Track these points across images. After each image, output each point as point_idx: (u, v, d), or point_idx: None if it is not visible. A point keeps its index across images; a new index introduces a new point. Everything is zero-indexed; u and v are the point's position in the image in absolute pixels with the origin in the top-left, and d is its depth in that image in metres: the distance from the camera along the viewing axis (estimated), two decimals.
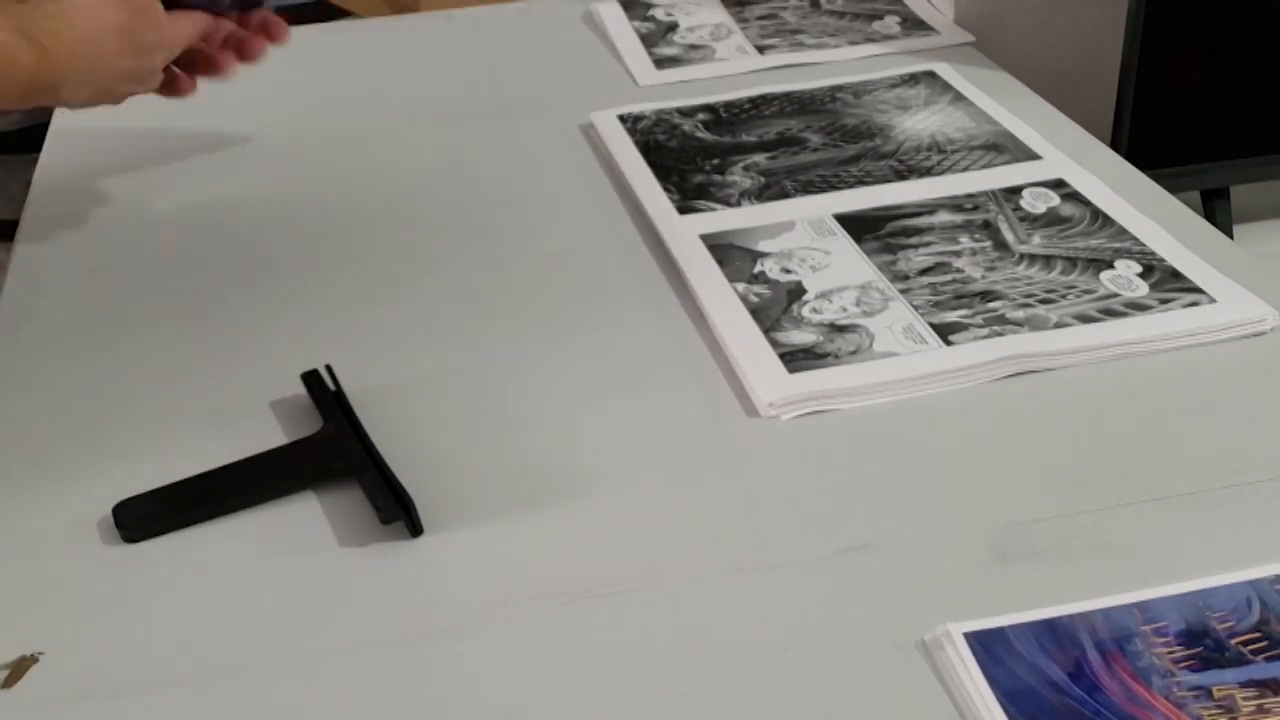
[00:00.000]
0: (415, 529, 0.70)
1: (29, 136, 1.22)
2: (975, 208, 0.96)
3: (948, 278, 0.88)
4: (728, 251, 0.93)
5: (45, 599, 0.68)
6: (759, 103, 1.14)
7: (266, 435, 0.78)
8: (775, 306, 0.86)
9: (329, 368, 0.81)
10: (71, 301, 0.93)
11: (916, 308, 0.85)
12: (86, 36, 0.86)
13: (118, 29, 0.87)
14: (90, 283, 0.95)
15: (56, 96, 0.87)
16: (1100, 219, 0.94)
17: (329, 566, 0.69)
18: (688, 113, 1.13)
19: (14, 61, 0.82)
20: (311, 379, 0.80)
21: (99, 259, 0.98)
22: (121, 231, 1.02)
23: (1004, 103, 1.11)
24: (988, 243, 0.92)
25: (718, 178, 1.03)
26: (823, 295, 0.87)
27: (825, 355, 0.81)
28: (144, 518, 0.72)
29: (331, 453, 0.74)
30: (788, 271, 0.90)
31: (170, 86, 0.96)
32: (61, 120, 1.17)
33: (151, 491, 0.73)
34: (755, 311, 0.86)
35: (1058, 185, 0.99)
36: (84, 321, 0.91)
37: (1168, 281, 0.86)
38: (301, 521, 0.72)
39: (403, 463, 0.74)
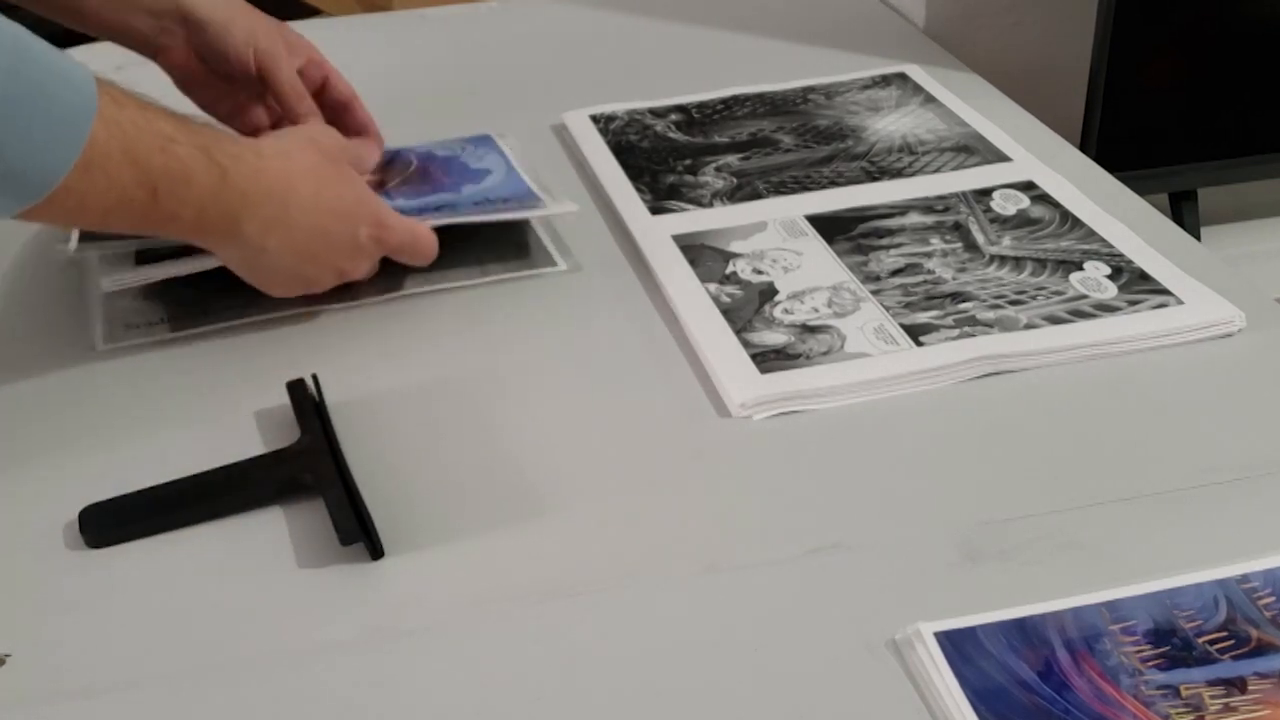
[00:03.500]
0: (375, 552, 0.69)
1: None
2: (946, 209, 0.97)
3: (919, 279, 0.89)
4: (700, 252, 0.93)
5: (12, 602, 0.68)
6: (731, 103, 1.14)
7: (245, 444, 0.77)
8: (747, 307, 0.87)
9: (315, 377, 0.80)
10: (45, 299, 0.92)
11: (888, 309, 0.86)
12: (277, 170, 0.80)
13: (314, 171, 0.82)
14: (62, 279, 0.94)
15: (237, 231, 0.78)
16: (1069, 221, 0.94)
17: (296, 572, 0.69)
18: (660, 113, 1.13)
19: (189, 177, 0.75)
20: (296, 389, 0.80)
21: (73, 256, 0.97)
22: None
23: (975, 105, 1.11)
24: (958, 244, 0.92)
25: (690, 178, 1.03)
26: (794, 296, 0.87)
27: (797, 356, 0.82)
28: (108, 524, 0.71)
29: (301, 466, 0.74)
30: (759, 272, 0.90)
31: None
32: None
33: (116, 498, 0.72)
34: (727, 312, 0.86)
35: (1028, 187, 0.99)
36: (58, 320, 0.90)
37: (1136, 283, 0.87)
38: (268, 533, 0.71)
39: (375, 472, 0.73)
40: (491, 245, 0.94)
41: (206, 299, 0.88)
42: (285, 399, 0.79)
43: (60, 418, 0.81)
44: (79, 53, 0.78)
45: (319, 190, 0.82)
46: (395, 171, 0.98)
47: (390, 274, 0.89)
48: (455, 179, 0.97)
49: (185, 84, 0.95)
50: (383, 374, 0.83)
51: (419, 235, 0.87)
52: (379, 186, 0.94)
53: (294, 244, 0.81)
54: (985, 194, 0.99)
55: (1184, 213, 1.22)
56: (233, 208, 0.78)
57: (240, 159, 0.78)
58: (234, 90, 0.95)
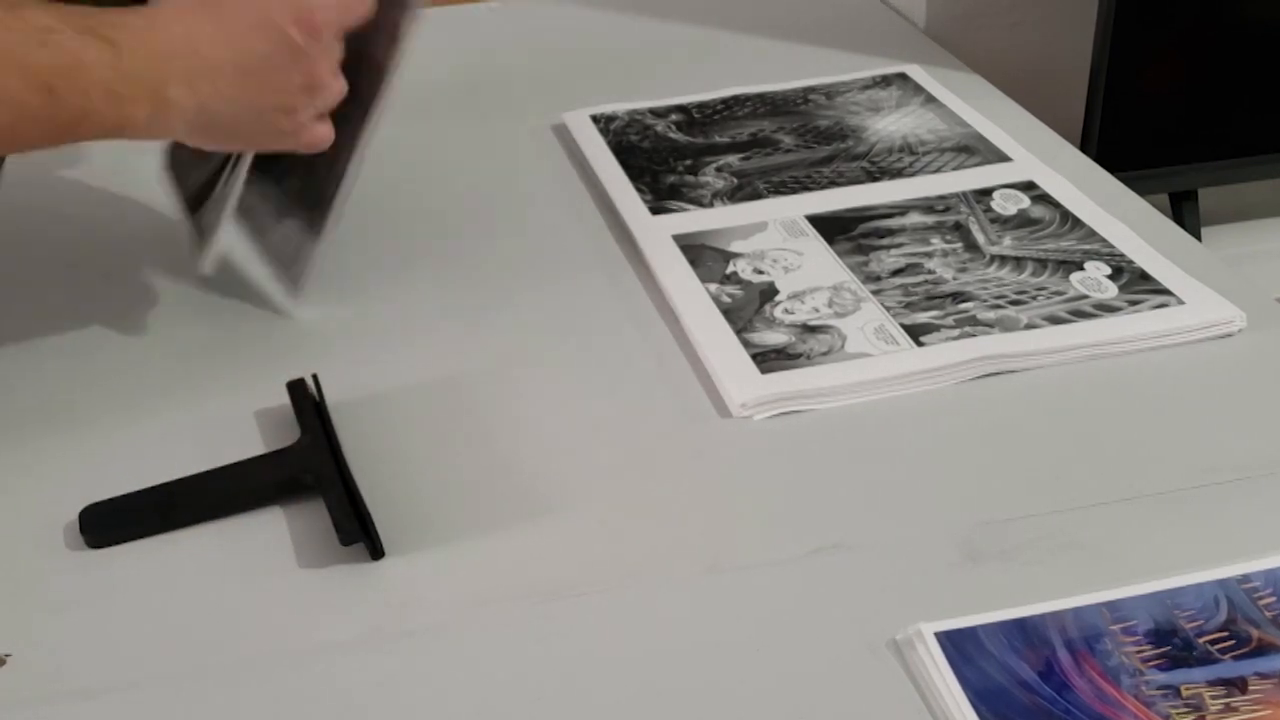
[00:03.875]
0: (375, 552, 0.69)
1: None
2: (946, 209, 0.97)
3: (919, 279, 0.89)
4: (700, 252, 0.93)
5: (13, 602, 0.68)
6: (731, 104, 1.14)
7: (246, 444, 0.77)
8: (747, 307, 0.87)
9: (315, 376, 0.80)
10: (43, 299, 0.93)
11: (888, 309, 0.86)
12: (168, 19, 0.73)
13: (204, 2, 0.74)
14: (64, 280, 0.95)
15: (163, 100, 0.72)
16: (1070, 221, 0.94)
17: (297, 572, 0.69)
18: (660, 113, 1.13)
19: (81, 63, 0.69)
20: (296, 388, 0.80)
21: (72, 256, 0.97)
22: (96, 227, 1.01)
23: (975, 105, 1.11)
24: (959, 244, 0.92)
25: (690, 178, 1.03)
26: (795, 296, 0.87)
27: (797, 356, 0.82)
28: (109, 525, 0.71)
29: (302, 466, 0.74)
30: (760, 272, 0.90)
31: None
32: None
33: (116, 498, 0.72)
34: (727, 312, 0.86)
35: (1028, 187, 0.99)
36: (57, 320, 0.90)
37: (1136, 283, 0.87)
38: (268, 533, 0.71)
39: (375, 471, 0.73)
40: None
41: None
42: (286, 399, 0.79)
43: (61, 418, 0.81)
44: None
45: (219, 19, 0.74)
46: None
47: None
48: None
49: None
50: (383, 374, 0.83)
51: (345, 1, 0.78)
52: None
53: (230, 86, 0.75)
54: (986, 194, 0.99)
55: (1184, 213, 1.22)
56: (142, 77, 0.71)
57: (125, 26, 0.72)
58: None
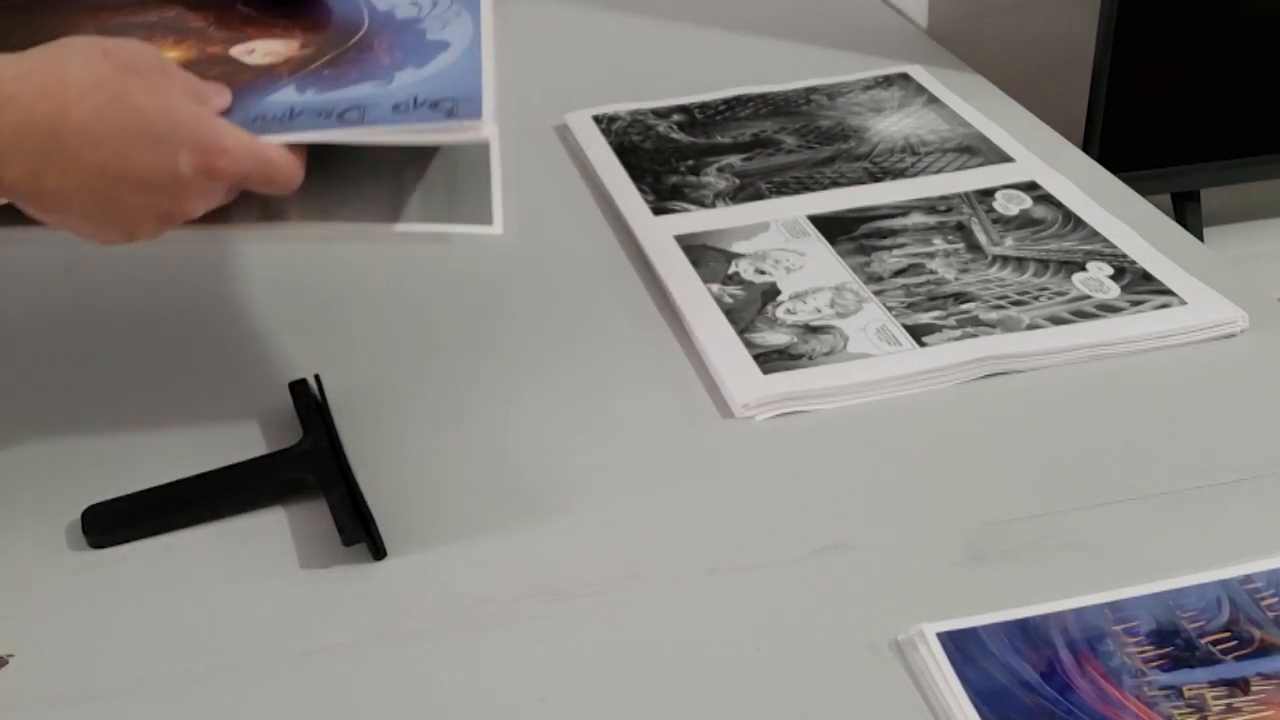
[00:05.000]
0: (378, 552, 0.69)
1: None
2: (948, 210, 0.97)
3: (921, 279, 0.89)
4: (702, 253, 0.93)
5: (15, 602, 0.68)
6: (733, 104, 1.14)
7: (247, 445, 0.77)
8: (750, 307, 0.87)
9: (317, 377, 0.80)
10: (44, 300, 0.93)
11: (890, 309, 0.86)
12: (37, 90, 0.62)
13: (98, 85, 0.63)
14: (64, 279, 0.95)
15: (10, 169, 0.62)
16: (1072, 221, 0.94)
17: (299, 573, 0.69)
18: (662, 114, 1.13)
19: None
20: (299, 389, 0.79)
21: (73, 255, 0.97)
22: None
23: (977, 105, 1.11)
24: (961, 244, 0.92)
25: (692, 179, 1.03)
26: (797, 296, 0.87)
27: (799, 356, 0.82)
28: (110, 525, 0.71)
29: (304, 467, 0.73)
30: (762, 273, 0.90)
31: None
32: None
33: (118, 499, 0.72)
34: (730, 312, 0.86)
35: (1030, 188, 0.99)
36: (58, 321, 0.90)
37: (1139, 284, 0.87)
38: (270, 533, 0.71)
39: (377, 471, 0.73)
40: (418, 159, 0.72)
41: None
42: (288, 399, 0.79)
43: (62, 418, 0.81)
44: None
45: (105, 110, 0.62)
46: (332, 41, 0.76)
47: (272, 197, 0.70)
48: (398, 57, 0.73)
49: None
50: (385, 374, 0.83)
51: (271, 162, 0.66)
52: (291, 69, 0.73)
53: (83, 183, 0.63)
54: (988, 194, 0.99)
55: (1187, 213, 1.22)
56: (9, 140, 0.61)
57: (20, 80, 0.62)
58: None
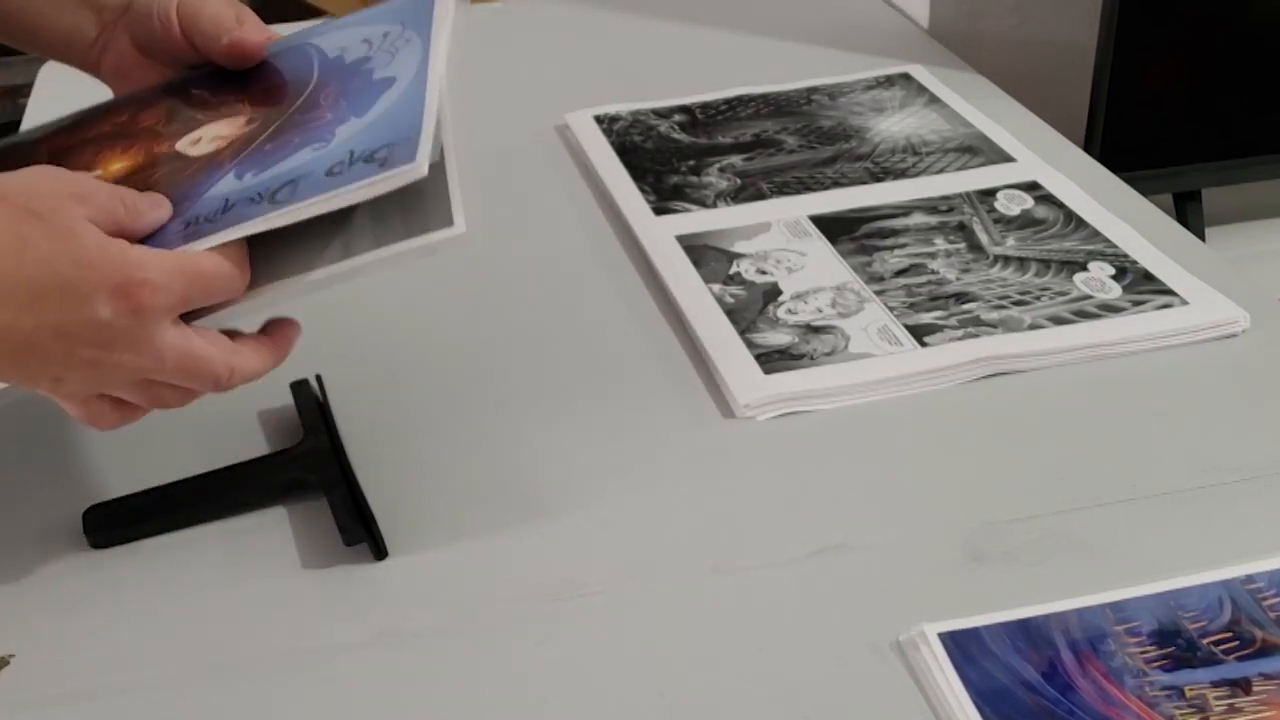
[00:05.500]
0: (379, 553, 0.69)
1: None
2: (950, 210, 0.97)
3: (923, 279, 0.89)
4: (703, 253, 0.93)
5: (16, 602, 0.68)
6: (735, 104, 1.14)
7: (249, 445, 0.77)
8: (751, 307, 0.87)
9: (318, 377, 0.80)
10: None
11: (892, 309, 0.85)
12: None
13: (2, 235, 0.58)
14: None
15: None
16: (1074, 221, 0.94)
17: (300, 573, 0.69)
18: (664, 114, 1.13)
19: None
20: (300, 389, 0.79)
21: None
22: None
23: (979, 105, 1.11)
24: (962, 244, 0.92)
25: (693, 179, 1.03)
26: (798, 296, 0.87)
27: (801, 356, 0.82)
28: (110, 525, 0.71)
29: (305, 467, 0.73)
30: (763, 273, 0.90)
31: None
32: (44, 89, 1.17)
33: (119, 499, 0.72)
34: (731, 312, 0.86)
35: (1032, 188, 0.99)
36: None
37: (1140, 284, 0.87)
38: (272, 534, 0.71)
39: (379, 471, 0.73)
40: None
41: None
42: (289, 399, 0.79)
43: (63, 418, 0.81)
44: None
45: (8, 263, 0.58)
46: (279, 108, 0.73)
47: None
48: (341, 109, 0.70)
49: (120, 82, 0.79)
50: (386, 374, 0.83)
51: (203, 274, 0.62)
52: (234, 151, 0.70)
53: None
54: (989, 194, 0.98)
55: (1188, 213, 1.22)
56: None
57: None
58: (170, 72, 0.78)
